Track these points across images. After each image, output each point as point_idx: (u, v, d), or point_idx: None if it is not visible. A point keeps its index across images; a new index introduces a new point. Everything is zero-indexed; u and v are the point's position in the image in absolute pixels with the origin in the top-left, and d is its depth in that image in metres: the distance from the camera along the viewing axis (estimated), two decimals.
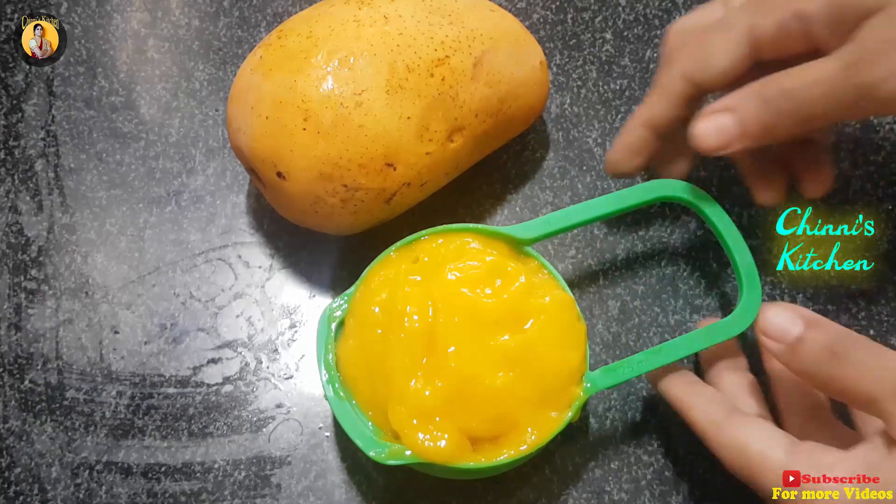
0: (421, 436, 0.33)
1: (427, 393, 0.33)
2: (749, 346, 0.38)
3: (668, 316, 0.41)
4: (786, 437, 0.32)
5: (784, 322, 0.32)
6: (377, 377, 0.34)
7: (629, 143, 0.37)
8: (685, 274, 0.42)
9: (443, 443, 0.33)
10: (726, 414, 0.33)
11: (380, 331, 0.34)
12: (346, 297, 0.36)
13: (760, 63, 0.35)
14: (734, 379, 0.36)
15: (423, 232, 0.36)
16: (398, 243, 0.36)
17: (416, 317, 0.34)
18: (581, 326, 0.35)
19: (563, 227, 0.37)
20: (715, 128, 0.35)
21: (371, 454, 0.33)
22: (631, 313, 0.41)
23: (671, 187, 0.37)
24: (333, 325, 0.35)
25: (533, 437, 0.33)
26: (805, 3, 0.33)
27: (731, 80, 0.35)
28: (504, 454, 0.33)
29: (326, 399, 0.34)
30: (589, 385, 0.34)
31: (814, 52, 0.33)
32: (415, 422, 0.33)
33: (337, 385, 0.34)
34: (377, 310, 0.35)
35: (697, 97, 0.36)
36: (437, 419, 0.33)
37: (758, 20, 0.34)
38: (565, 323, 0.35)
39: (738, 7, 0.36)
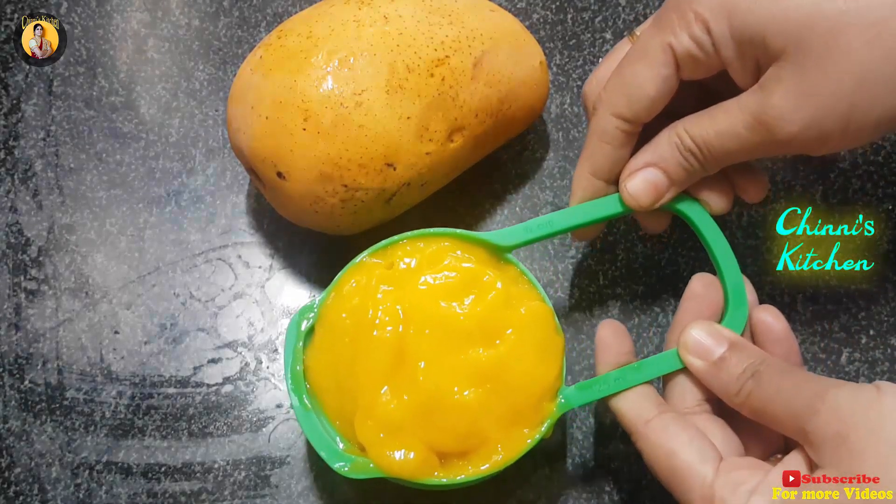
0: (387, 450, 0.32)
1: (394, 406, 0.32)
2: None
3: (668, 316, 0.41)
4: (715, 451, 0.31)
5: (707, 341, 0.33)
6: (345, 388, 0.33)
7: (584, 199, 0.36)
8: (685, 274, 0.42)
9: (409, 457, 0.32)
10: (657, 410, 0.32)
11: (348, 340, 0.33)
12: (316, 304, 0.35)
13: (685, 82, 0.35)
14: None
15: (401, 236, 0.35)
16: (373, 247, 0.35)
17: (387, 327, 0.33)
18: (558, 340, 0.34)
19: (545, 233, 0.36)
20: (647, 185, 0.35)
21: (335, 467, 0.32)
22: (631, 313, 0.41)
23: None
24: (303, 329, 0.34)
25: (501, 456, 0.33)
26: (711, 22, 0.32)
27: (663, 105, 0.35)
28: (472, 471, 0.33)
29: (292, 409, 0.34)
30: (563, 401, 0.33)
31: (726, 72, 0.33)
32: (381, 435, 0.32)
33: (304, 395, 0.34)
34: (347, 317, 0.34)
35: (636, 131, 0.35)
36: (405, 433, 0.32)
37: (670, 37, 0.33)
38: (541, 336, 0.34)
39: (647, 31, 0.34)
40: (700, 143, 0.33)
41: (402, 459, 0.32)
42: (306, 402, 0.34)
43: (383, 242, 0.35)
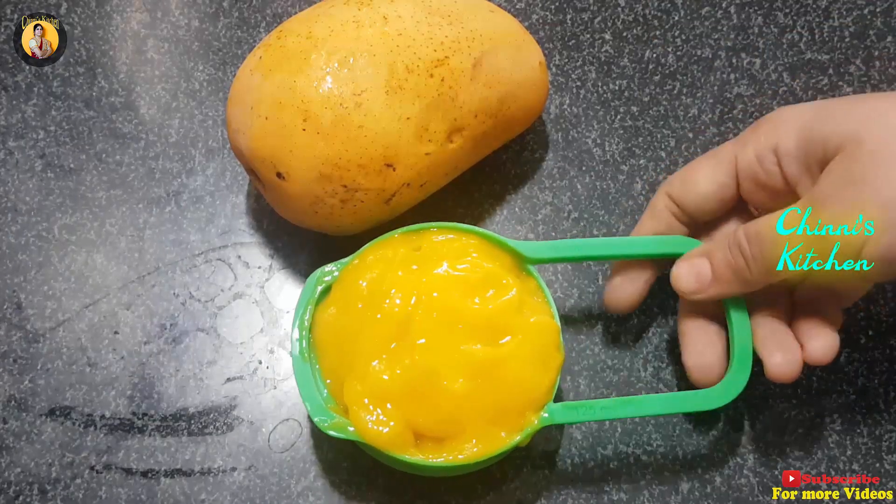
0: (368, 417, 0.33)
1: (385, 377, 0.33)
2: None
3: (667, 316, 0.41)
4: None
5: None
6: (345, 349, 0.34)
7: (614, 274, 0.38)
8: None
9: (386, 429, 0.33)
10: None
11: (360, 306, 0.35)
12: (339, 265, 0.36)
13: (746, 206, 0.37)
14: None
15: (433, 224, 0.37)
16: (405, 228, 0.37)
17: (397, 301, 0.34)
18: (558, 357, 0.35)
19: (570, 256, 0.37)
20: (690, 272, 0.36)
21: (315, 420, 0.33)
22: (630, 314, 0.41)
23: (691, 246, 0.37)
24: (319, 289, 0.36)
25: (475, 450, 0.33)
26: (782, 139, 0.34)
27: (715, 208, 0.37)
28: (444, 458, 0.33)
29: (291, 356, 0.35)
30: (547, 416, 0.34)
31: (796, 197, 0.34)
32: (366, 401, 0.33)
33: (305, 345, 0.35)
34: (364, 285, 0.35)
35: (684, 220, 0.37)
36: (388, 405, 0.33)
37: (739, 150, 0.36)
38: (542, 349, 0.34)
39: (728, 142, 0.37)
40: (751, 234, 0.34)
41: (379, 429, 0.33)
42: (306, 354, 0.35)
43: (416, 226, 0.37)
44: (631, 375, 0.40)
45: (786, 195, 0.34)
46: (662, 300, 0.41)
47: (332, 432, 0.33)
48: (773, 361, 0.34)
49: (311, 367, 0.35)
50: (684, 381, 0.39)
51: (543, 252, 0.37)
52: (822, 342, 0.34)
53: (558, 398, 0.36)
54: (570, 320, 0.41)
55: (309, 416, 0.34)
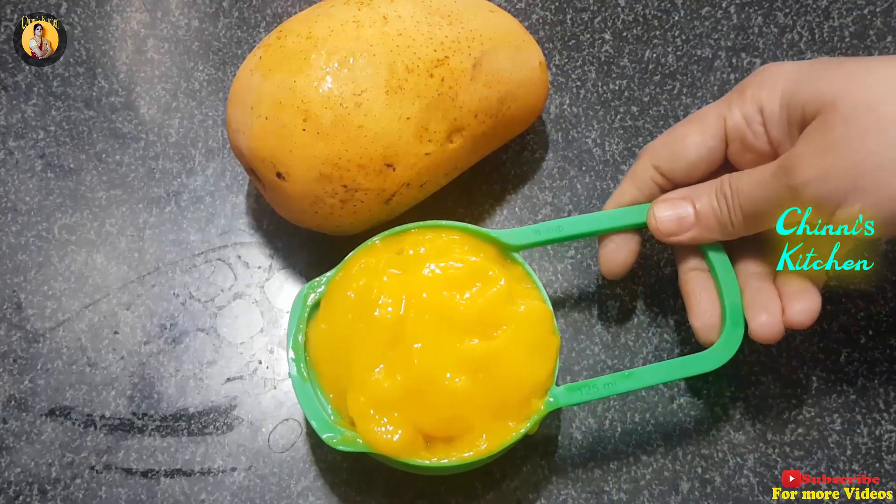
0: (375, 427, 0.33)
1: (387, 385, 0.33)
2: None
3: (667, 316, 0.41)
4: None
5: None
6: (342, 362, 0.34)
7: (607, 241, 0.38)
8: None
9: (396, 436, 0.33)
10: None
11: (351, 317, 0.34)
12: (324, 279, 0.36)
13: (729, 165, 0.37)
14: None
15: (412, 224, 0.37)
16: (385, 232, 0.37)
17: (388, 308, 0.34)
18: (554, 340, 0.35)
19: (553, 237, 0.37)
20: (672, 214, 0.36)
21: (324, 437, 0.33)
22: (630, 314, 0.41)
23: None
24: (309, 303, 0.36)
25: (485, 445, 0.33)
26: (766, 100, 0.34)
27: (703, 172, 0.36)
28: (455, 457, 0.33)
29: (290, 377, 0.35)
30: (552, 400, 0.34)
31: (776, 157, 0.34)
32: (372, 412, 0.33)
33: (302, 365, 0.35)
34: (352, 296, 0.35)
35: (668, 188, 0.37)
36: (394, 413, 0.33)
37: (726, 112, 0.35)
38: (537, 335, 0.34)
39: (710, 105, 0.37)
40: (735, 187, 0.34)
41: (388, 437, 0.33)
42: (304, 372, 0.35)
43: (396, 229, 0.37)
44: None
45: (771, 157, 0.34)
46: (663, 300, 0.41)
47: (342, 447, 0.33)
48: (758, 322, 0.34)
49: (311, 384, 0.35)
50: (685, 382, 0.39)
51: (525, 237, 0.37)
52: (803, 305, 0.34)
53: None
54: (571, 321, 0.41)
55: (315, 429, 0.33)
